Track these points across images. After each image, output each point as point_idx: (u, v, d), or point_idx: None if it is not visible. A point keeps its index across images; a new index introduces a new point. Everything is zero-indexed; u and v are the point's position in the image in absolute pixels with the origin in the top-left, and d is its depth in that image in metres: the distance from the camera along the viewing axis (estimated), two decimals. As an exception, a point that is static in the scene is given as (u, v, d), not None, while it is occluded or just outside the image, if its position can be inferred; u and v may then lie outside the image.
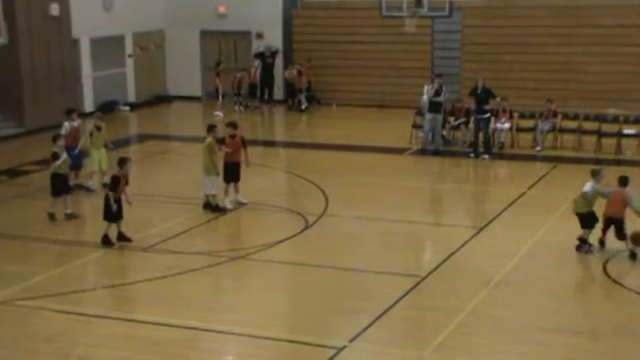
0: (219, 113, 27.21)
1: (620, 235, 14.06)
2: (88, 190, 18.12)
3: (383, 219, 16.48)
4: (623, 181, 14.23)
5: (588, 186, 14.22)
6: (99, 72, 28.32)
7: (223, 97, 27.94)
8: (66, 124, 18.31)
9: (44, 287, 13.00)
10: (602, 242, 14.31)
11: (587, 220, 14.20)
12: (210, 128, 16.97)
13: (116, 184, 14.84)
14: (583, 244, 14.21)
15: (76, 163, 18.22)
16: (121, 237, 14.94)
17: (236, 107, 28.29)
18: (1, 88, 24.82)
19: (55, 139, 16.67)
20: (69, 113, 18.57)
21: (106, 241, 14.85)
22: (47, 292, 12.75)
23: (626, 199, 13.99)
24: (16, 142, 24.09)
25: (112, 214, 14.82)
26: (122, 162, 15.05)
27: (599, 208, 14.32)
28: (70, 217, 16.42)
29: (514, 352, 10.89)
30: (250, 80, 28.75)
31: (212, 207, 16.75)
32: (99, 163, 18.23)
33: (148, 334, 11.46)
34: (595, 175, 14.34)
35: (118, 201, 14.91)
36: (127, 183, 15.09)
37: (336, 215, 16.71)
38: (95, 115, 19.39)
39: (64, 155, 16.57)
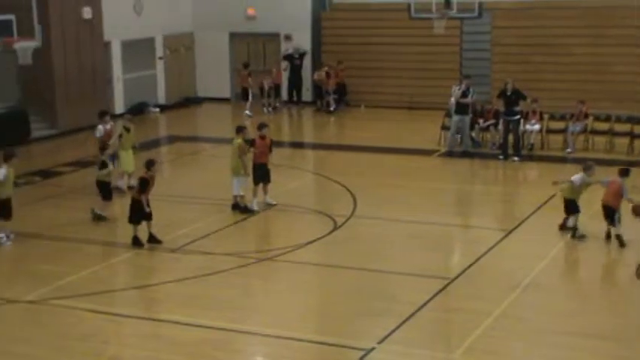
0: (249, 112, 27.42)
1: (611, 220, 14.63)
2: (120, 190, 18.28)
3: (411, 221, 16.49)
4: (624, 172, 14.85)
5: (577, 177, 14.99)
6: (129, 74, 28.59)
7: (253, 97, 28.13)
8: (100, 126, 18.51)
9: (77, 287, 13.17)
10: (608, 235, 14.79)
11: (570, 206, 15.04)
12: (240, 129, 17.07)
13: (145, 185, 14.96)
14: (573, 231, 14.97)
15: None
16: (152, 239, 15.07)
17: (264, 109, 28.46)
18: (35, 91, 25.12)
19: (102, 148, 16.85)
20: (102, 116, 18.76)
21: (136, 242, 14.99)
22: (80, 292, 12.92)
23: (621, 190, 14.53)
24: (49, 144, 24.37)
25: (141, 215, 14.92)
26: (150, 164, 15.17)
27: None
28: (100, 218, 16.57)
29: (543, 355, 10.86)
30: (273, 80, 28.89)
31: (240, 208, 16.86)
32: (128, 164, 18.39)
33: (178, 334, 11.58)
34: (587, 169, 15.11)
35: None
36: (145, 187, 15.10)
37: (364, 217, 16.75)
38: (124, 117, 19.57)
39: (110, 167, 16.77)
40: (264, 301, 12.88)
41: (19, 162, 20.54)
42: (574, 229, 15.05)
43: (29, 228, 16.15)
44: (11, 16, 20.17)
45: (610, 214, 14.65)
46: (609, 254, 14.59)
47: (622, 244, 14.52)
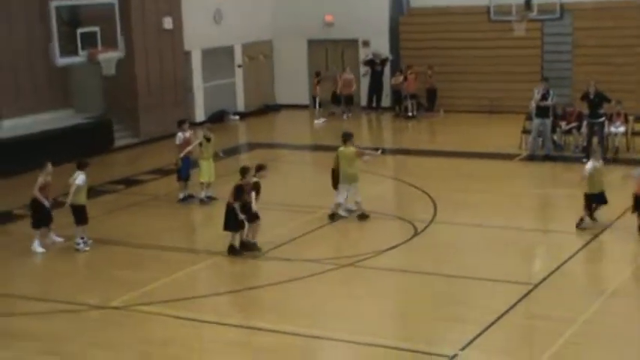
0: (318, 121, 27.62)
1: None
2: (201, 201, 18.46)
3: (492, 226, 16.29)
4: None
5: (589, 165, 15.71)
6: (209, 82, 28.97)
7: (320, 105, 28.41)
8: (179, 134, 18.76)
9: (160, 293, 13.37)
10: None
11: (597, 199, 15.72)
12: (348, 137, 16.76)
13: (240, 193, 14.87)
14: (581, 222, 15.60)
15: (185, 173, 18.62)
16: (246, 246, 14.95)
17: (344, 116, 28.57)
18: (118, 100, 25.68)
19: (257, 169, 15.35)
20: (180, 124, 19.00)
21: (232, 251, 14.97)
22: (163, 298, 13.11)
23: None
24: (131, 152, 24.85)
25: (236, 224, 14.89)
26: (244, 171, 15.04)
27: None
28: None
29: (631, 363, 10.60)
30: (335, 89, 29.01)
31: (363, 216, 16.67)
32: (208, 174, 18.54)
33: (260, 340, 11.65)
34: (592, 154, 16.31)
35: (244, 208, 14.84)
36: (257, 192, 14.94)
37: (444, 222, 16.61)
38: (204, 126, 19.79)
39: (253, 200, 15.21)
40: (345, 307, 12.85)
41: (103, 170, 21.08)
42: (582, 219, 15.63)
43: (112, 235, 16.48)
44: (96, 28, 20.61)
45: None
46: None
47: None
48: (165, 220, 17.72)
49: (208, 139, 18.59)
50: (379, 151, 18.95)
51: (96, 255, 15.53)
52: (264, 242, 15.48)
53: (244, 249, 14.97)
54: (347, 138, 16.78)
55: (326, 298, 13.27)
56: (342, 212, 16.86)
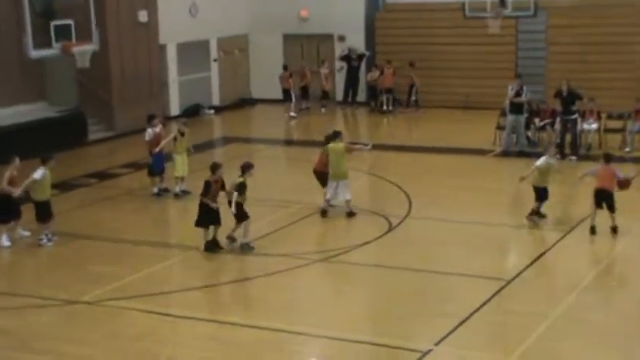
0: (293, 114, 27.63)
1: (611, 205, 15.01)
2: (176, 195, 18.38)
3: (467, 221, 16.34)
4: (609, 158, 15.43)
5: (541, 160, 15.98)
6: (185, 76, 28.83)
7: (295, 98, 28.35)
8: (149, 130, 18.62)
9: (133, 288, 13.30)
10: (593, 229, 15.14)
11: (541, 193, 15.98)
12: (337, 134, 16.84)
13: (208, 189, 14.85)
14: (533, 215, 15.93)
15: (159, 167, 18.52)
16: (214, 244, 14.93)
17: (322, 109, 28.65)
18: (93, 93, 25.48)
19: (244, 169, 15.02)
20: (150, 119, 18.81)
21: (207, 248, 14.85)
22: (136, 293, 13.04)
23: (615, 173, 15.16)
24: (105, 146, 24.69)
25: (209, 220, 14.78)
26: (214, 167, 15.00)
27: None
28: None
29: (603, 358, 10.66)
30: (305, 84, 29.00)
31: (352, 213, 16.58)
32: (182, 168, 18.45)
33: (234, 335, 11.62)
34: (546, 150, 16.57)
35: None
36: (222, 188, 14.97)
37: (419, 217, 16.64)
38: (179, 121, 19.69)
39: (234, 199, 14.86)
40: (320, 302, 12.86)
41: (77, 164, 20.91)
42: (538, 213, 15.95)
43: (86, 230, 16.37)
44: (70, 21, 20.44)
45: (608, 198, 14.97)
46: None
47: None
48: (138, 214, 17.62)
49: (182, 134, 18.53)
50: (369, 146, 18.75)
51: (68, 249, 15.39)
52: (239, 236, 15.43)
53: (210, 245, 14.83)
54: (336, 135, 16.79)
55: (300, 293, 13.26)
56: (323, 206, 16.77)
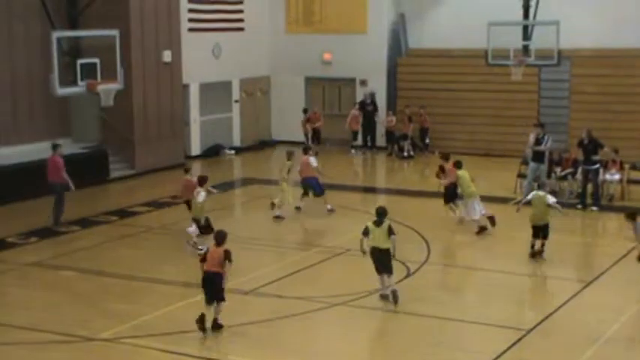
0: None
1: None
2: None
3: (486, 269, 16.25)
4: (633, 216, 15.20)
5: (532, 194, 16.91)
6: (206, 116, 29.03)
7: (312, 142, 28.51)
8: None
9: (151, 326, 13.28)
10: None
11: (537, 230, 16.60)
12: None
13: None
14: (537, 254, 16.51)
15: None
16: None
17: (352, 151, 29.06)
18: (115, 131, 25.68)
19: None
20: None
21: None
22: (153, 332, 13.01)
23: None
24: (126, 184, 24.81)
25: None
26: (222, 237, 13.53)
27: None
28: None
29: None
30: (316, 126, 29.17)
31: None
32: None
33: (250, 377, 11.55)
34: (542, 186, 18.07)
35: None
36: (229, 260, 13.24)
37: (438, 264, 16.57)
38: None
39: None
40: (334, 346, 12.76)
41: (98, 201, 20.96)
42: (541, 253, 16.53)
43: (107, 267, 16.41)
44: (96, 60, 20.68)
45: None
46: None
47: None
48: (158, 252, 17.64)
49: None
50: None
51: (89, 285, 15.44)
52: (256, 277, 15.42)
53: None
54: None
55: (316, 337, 13.19)
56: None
